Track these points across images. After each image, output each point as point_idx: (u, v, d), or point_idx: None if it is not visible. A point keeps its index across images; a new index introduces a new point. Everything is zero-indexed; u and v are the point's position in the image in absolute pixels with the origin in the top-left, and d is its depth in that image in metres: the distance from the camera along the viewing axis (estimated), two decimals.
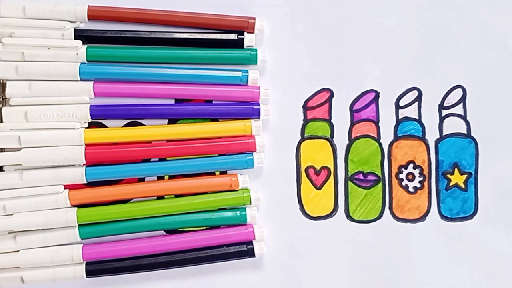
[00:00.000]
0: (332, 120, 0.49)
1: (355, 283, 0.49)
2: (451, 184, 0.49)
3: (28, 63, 0.46)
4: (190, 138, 0.47)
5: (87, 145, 0.46)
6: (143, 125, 0.48)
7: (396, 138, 0.49)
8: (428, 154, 0.49)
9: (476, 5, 0.49)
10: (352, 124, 0.49)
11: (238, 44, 0.48)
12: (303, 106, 0.49)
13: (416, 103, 0.49)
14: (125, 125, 0.48)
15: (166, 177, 0.48)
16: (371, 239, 0.49)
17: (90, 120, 0.47)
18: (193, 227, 0.48)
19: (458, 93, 0.49)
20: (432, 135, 0.49)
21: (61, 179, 0.46)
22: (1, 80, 0.47)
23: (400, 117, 0.49)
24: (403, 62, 0.49)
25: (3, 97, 0.46)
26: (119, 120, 0.48)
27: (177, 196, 0.48)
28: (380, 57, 0.49)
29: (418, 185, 0.49)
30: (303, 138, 0.49)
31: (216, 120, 0.48)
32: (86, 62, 0.47)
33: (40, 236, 0.46)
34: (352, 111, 0.49)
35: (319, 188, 0.49)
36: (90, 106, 0.46)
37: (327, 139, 0.49)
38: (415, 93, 0.49)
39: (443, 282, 0.49)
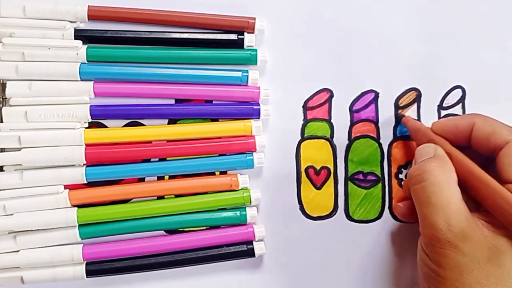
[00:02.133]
0: (332, 120, 0.49)
1: (355, 283, 0.49)
2: None
3: (28, 63, 0.46)
4: (190, 138, 0.47)
5: (87, 145, 0.46)
6: (143, 125, 0.48)
7: (396, 138, 0.49)
8: None
9: (476, 5, 0.49)
10: (352, 124, 0.49)
11: (238, 44, 0.48)
12: (303, 106, 0.49)
13: (416, 103, 0.49)
14: (125, 125, 0.48)
15: (166, 177, 0.48)
16: (371, 239, 0.49)
17: (90, 120, 0.47)
18: (193, 227, 0.48)
19: (457, 94, 0.49)
20: None
21: (61, 179, 0.46)
22: (1, 80, 0.47)
23: (400, 117, 0.49)
24: (403, 62, 0.49)
25: (3, 97, 0.46)
26: (119, 120, 0.48)
27: (177, 196, 0.48)
28: (380, 57, 0.49)
29: None
30: (303, 138, 0.49)
31: (216, 120, 0.48)
32: (86, 62, 0.47)
33: (40, 236, 0.46)
34: (352, 111, 0.49)
35: (319, 188, 0.49)
36: (90, 106, 0.46)
37: (327, 139, 0.49)
38: (414, 93, 0.49)
39: None
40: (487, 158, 0.43)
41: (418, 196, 0.41)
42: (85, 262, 0.47)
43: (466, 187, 0.41)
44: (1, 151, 0.46)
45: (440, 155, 0.43)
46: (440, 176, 0.41)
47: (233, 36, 0.48)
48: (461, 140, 0.44)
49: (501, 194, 0.40)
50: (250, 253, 0.47)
